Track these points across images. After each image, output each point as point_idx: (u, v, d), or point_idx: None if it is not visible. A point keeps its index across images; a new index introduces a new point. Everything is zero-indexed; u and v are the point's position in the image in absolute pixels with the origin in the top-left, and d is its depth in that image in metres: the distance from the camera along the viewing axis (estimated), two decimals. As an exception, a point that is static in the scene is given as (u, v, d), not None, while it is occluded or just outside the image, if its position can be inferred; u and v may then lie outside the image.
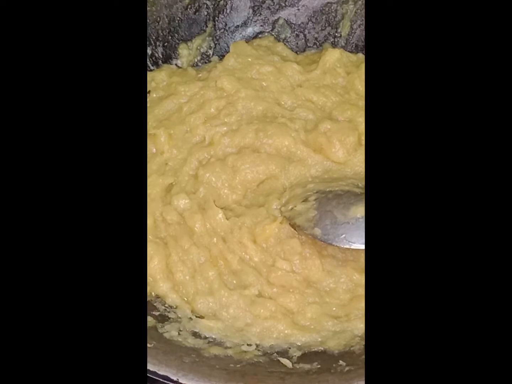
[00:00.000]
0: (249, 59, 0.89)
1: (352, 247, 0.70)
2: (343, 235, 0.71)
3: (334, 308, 0.72)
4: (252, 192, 0.80)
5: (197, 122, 0.82)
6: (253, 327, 0.71)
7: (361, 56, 0.92)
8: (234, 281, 0.73)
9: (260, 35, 0.95)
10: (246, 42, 0.92)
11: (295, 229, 0.74)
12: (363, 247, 0.70)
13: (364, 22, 0.92)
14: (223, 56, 0.91)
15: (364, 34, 0.93)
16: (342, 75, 0.88)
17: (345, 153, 0.80)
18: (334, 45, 0.94)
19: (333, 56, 0.89)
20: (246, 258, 0.75)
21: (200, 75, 0.89)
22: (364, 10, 0.92)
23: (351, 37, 0.94)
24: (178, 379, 0.59)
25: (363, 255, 0.74)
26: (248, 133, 0.81)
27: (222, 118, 0.83)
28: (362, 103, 0.85)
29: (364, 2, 0.91)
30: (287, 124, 0.82)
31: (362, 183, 0.76)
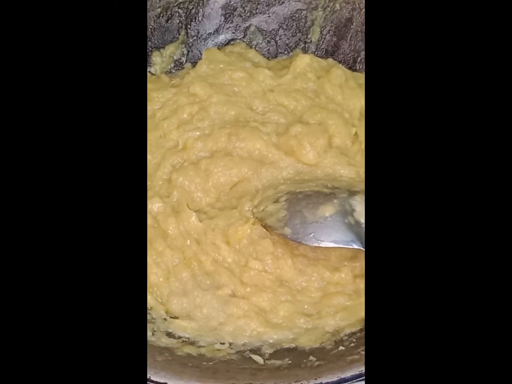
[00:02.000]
0: (221, 66, 0.91)
1: (321, 245, 0.72)
2: (312, 234, 0.72)
3: (306, 306, 0.74)
4: (225, 194, 0.81)
5: (170, 128, 0.84)
6: (226, 326, 0.72)
7: (331, 61, 0.93)
8: (208, 282, 0.75)
9: (232, 42, 0.96)
10: (218, 49, 0.94)
11: (267, 230, 0.76)
12: (332, 245, 0.72)
13: (333, 27, 0.95)
14: (196, 63, 0.92)
15: (333, 39, 0.95)
16: (313, 80, 0.90)
17: (315, 155, 0.82)
18: (304, 50, 0.96)
19: (303, 61, 0.90)
20: (220, 259, 0.76)
21: (173, 81, 0.90)
22: (333, 15, 0.94)
23: (321, 42, 0.96)
24: (150, 377, 0.60)
25: (333, 253, 0.76)
26: (220, 137, 0.83)
27: (195, 123, 0.84)
28: (332, 106, 0.87)
29: (332, 8, 0.93)
30: (259, 128, 0.84)
31: (331, 184, 0.77)
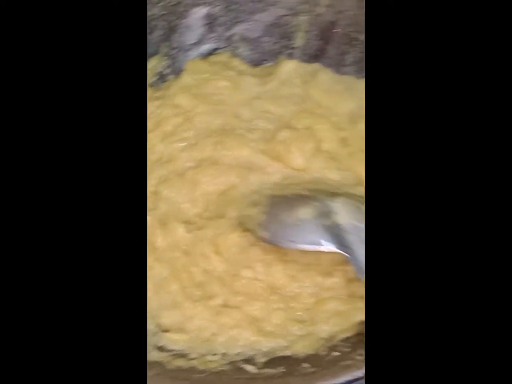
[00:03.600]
0: (205, 76, 0.90)
1: (297, 247, 0.71)
2: (289, 237, 0.72)
3: (299, 313, 0.73)
4: (213, 203, 0.80)
5: (155, 141, 0.83)
6: (219, 337, 0.71)
7: (317, 66, 0.93)
8: (199, 293, 0.74)
9: (216, 51, 0.96)
10: (202, 59, 0.94)
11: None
12: (307, 247, 0.71)
13: (318, 32, 0.94)
14: (180, 74, 0.92)
15: (319, 43, 0.94)
16: (299, 85, 0.89)
17: (303, 160, 0.81)
18: (290, 56, 0.95)
19: (288, 67, 0.90)
20: (210, 269, 0.75)
21: (157, 94, 0.90)
22: (317, 19, 0.93)
23: (306, 47, 0.95)
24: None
25: (325, 258, 0.75)
26: (206, 146, 0.82)
27: (180, 134, 0.84)
28: (319, 111, 0.87)
29: (316, 12, 0.93)
30: (245, 135, 0.83)
31: (315, 187, 0.76)
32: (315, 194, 0.75)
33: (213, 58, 0.94)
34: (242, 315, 0.72)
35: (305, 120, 0.85)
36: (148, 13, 0.90)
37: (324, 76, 0.90)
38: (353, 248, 0.68)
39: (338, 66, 0.93)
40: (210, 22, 0.94)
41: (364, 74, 0.90)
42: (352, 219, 0.70)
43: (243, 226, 0.75)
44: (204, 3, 0.93)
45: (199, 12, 0.94)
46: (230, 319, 0.72)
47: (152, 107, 0.87)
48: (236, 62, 0.94)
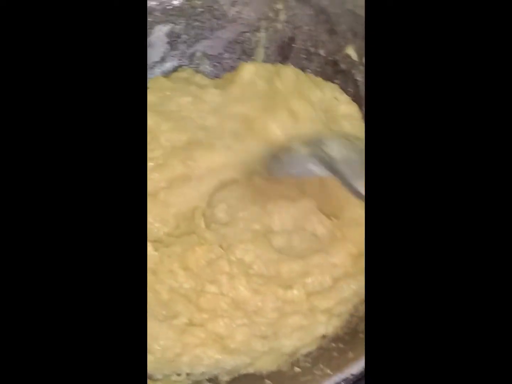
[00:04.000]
0: (168, 93, 0.90)
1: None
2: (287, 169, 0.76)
3: (262, 328, 0.75)
4: (184, 220, 0.81)
5: None
6: (183, 357, 0.72)
7: (278, 65, 0.93)
8: (164, 312, 0.75)
9: (179, 69, 0.97)
10: (165, 76, 0.95)
11: None
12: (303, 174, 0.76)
13: (276, 47, 0.96)
14: (144, 93, 0.93)
15: (278, 59, 0.96)
16: (263, 86, 0.89)
17: (282, 130, 0.84)
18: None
19: (249, 70, 0.90)
20: (176, 286, 0.76)
21: None
22: (276, 35, 0.95)
23: (266, 62, 0.96)
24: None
25: (285, 269, 0.77)
26: (176, 164, 0.83)
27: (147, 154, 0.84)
28: (293, 102, 0.87)
29: (274, 28, 0.95)
30: (214, 143, 0.85)
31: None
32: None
33: (175, 75, 0.95)
34: (207, 333, 0.73)
35: (277, 111, 0.86)
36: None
37: (289, 71, 0.91)
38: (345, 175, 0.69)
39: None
40: (173, 40, 0.96)
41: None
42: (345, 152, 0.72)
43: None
44: (166, 21, 0.94)
45: (163, 30, 0.95)
46: (195, 338, 0.73)
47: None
48: (198, 78, 0.95)
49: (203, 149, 0.84)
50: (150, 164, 0.83)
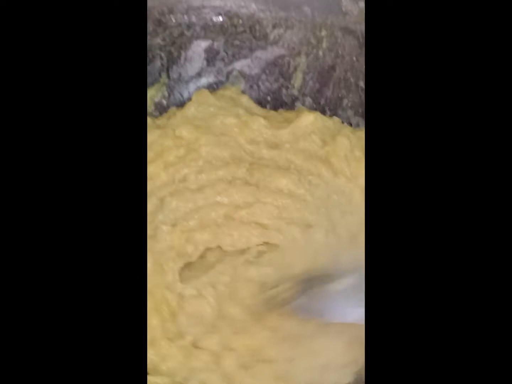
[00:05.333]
0: (211, 109, 0.87)
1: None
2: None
3: None
4: None
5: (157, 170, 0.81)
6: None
7: (337, 120, 0.90)
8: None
9: (214, 86, 0.95)
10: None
11: None
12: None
13: (316, 74, 0.95)
14: (178, 106, 0.91)
15: (316, 85, 0.95)
16: (317, 143, 0.85)
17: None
18: (287, 96, 0.95)
19: (308, 119, 0.86)
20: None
21: (159, 122, 0.87)
22: (316, 62, 0.94)
23: (303, 88, 0.95)
24: None
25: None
26: (238, 168, 0.80)
27: (187, 162, 0.81)
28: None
29: (315, 55, 0.93)
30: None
31: None
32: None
33: (220, 92, 0.92)
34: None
35: None
36: (149, 43, 0.90)
37: (344, 141, 0.85)
38: None
39: (334, 109, 0.94)
40: (211, 56, 0.94)
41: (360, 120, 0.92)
42: None
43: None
44: (206, 37, 0.93)
45: (201, 45, 0.94)
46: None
47: (153, 136, 0.83)
48: (244, 99, 0.91)
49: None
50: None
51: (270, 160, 0.82)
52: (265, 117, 0.86)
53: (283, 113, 0.91)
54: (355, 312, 0.62)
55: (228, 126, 0.84)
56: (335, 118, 0.90)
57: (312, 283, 0.69)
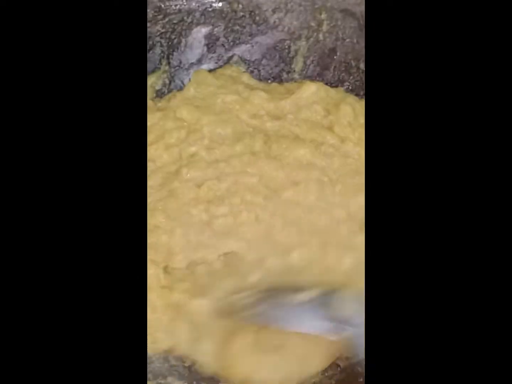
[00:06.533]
0: (211, 89, 0.87)
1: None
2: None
3: None
4: None
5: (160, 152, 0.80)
6: None
7: (340, 90, 0.90)
8: None
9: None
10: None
11: None
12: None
13: (316, 58, 0.94)
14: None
15: (317, 69, 0.95)
16: (320, 113, 0.85)
17: None
18: (287, 80, 0.95)
19: (310, 90, 0.86)
20: None
21: (160, 104, 0.88)
22: (316, 45, 0.94)
23: (304, 72, 0.95)
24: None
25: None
26: (255, 142, 0.80)
27: (191, 142, 0.80)
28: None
29: (316, 38, 0.93)
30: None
31: None
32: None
33: (220, 71, 0.92)
34: None
35: None
36: (149, 30, 0.90)
37: (348, 109, 0.85)
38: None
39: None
40: (211, 42, 0.94)
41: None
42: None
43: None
44: (206, 23, 0.93)
45: (201, 31, 0.94)
46: None
47: (153, 119, 0.83)
48: (245, 77, 0.92)
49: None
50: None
51: (273, 132, 0.82)
52: (266, 91, 0.87)
53: (285, 85, 0.92)
54: (318, 324, 0.62)
55: (229, 104, 0.84)
56: (339, 88, 0.91)
57: (276, 292, 0.68)
